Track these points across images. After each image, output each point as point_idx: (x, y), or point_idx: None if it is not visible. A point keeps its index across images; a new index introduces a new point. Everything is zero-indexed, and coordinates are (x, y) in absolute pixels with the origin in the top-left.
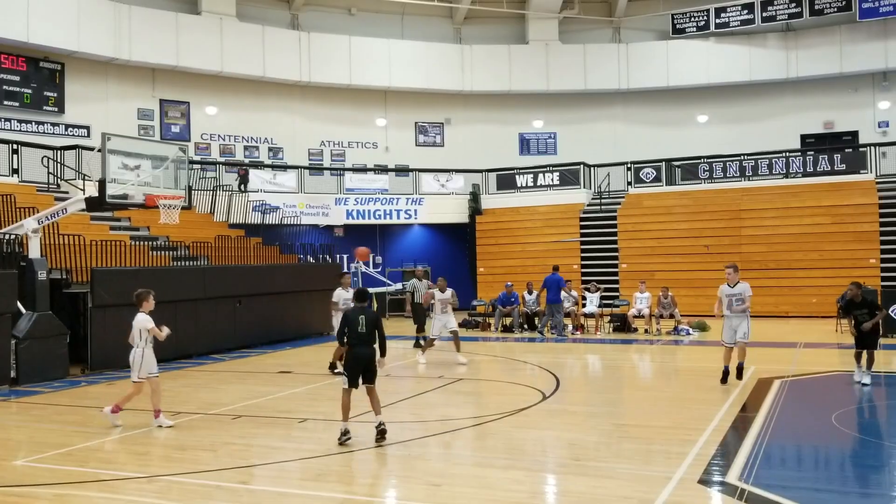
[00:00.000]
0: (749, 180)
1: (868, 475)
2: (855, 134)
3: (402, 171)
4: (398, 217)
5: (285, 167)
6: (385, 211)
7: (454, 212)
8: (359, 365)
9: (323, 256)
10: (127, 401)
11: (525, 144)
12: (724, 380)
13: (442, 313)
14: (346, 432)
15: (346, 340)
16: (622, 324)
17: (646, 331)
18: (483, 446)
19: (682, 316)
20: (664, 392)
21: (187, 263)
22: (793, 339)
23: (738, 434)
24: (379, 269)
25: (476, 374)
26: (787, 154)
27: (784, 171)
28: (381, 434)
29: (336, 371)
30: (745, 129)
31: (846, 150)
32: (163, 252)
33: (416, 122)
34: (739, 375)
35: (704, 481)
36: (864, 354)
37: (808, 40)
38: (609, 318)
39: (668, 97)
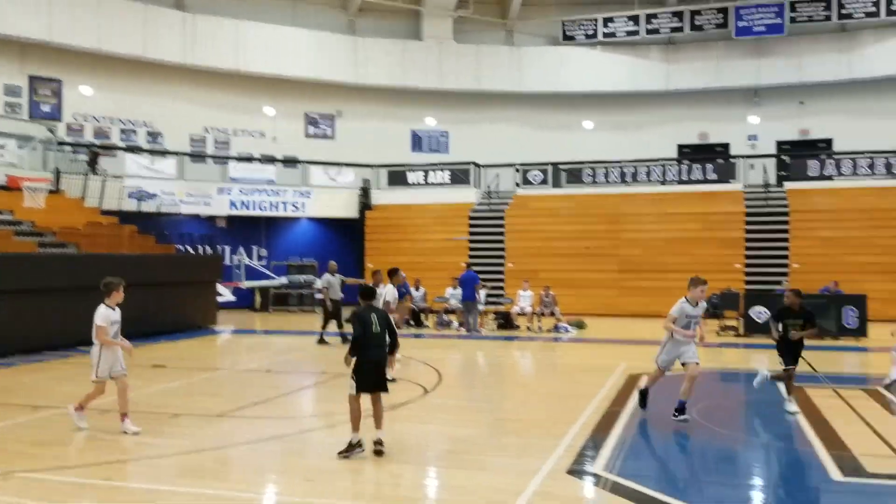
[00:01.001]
0: (629, 186)
1: (721, 466)
2: (727, 146)
3: (290, 162)
4: (285, 209)
5: (164, 153)
6: (271, 203)
7: (344, 206)
8: (373, 369)
9: (203, 248)
10: (88, 400)
11: (417, 141)
12: (643, 403)
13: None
14: (358, 444)
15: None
16: (506, 321)
17: (528, 328)
18: (364, 442)
19: (561, 314)
20: (541, 387)
21: (55, 250)
22: (662, 337)
23: (606, 427)
24: (264, 263)
25: None
26: (664, 163)
27: (661, 179)
28: (378, 453)
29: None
30: (627, 136)
31: (718, 161)
32: (27, 238)
33: (305, 113)
34: (682, 411)
35: (573, 472)
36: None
37: (688, 54)
38: (493, 315)
39: (558, 102)
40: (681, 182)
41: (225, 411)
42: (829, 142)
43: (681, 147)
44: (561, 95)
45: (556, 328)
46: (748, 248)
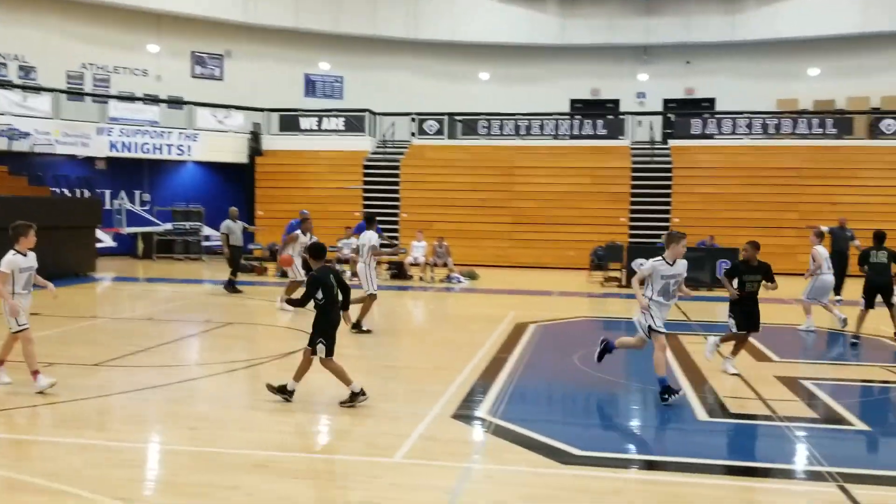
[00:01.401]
0: (523, 139)
1: (598, 409)
2: (617, 102)
3: (175, 103)
4: (169, 152)
5: (38, 89)
6: (155, 145)
7: (232, 151)
8: (336, 330)
9: (81, 191)
10: (7, 352)
11: (311, 86)
12: (601, 357)
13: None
14: (361, 391)
15: (317, 303)
16: (399, 271)
17: (420, 278)
18: (250, 390)
19: (454, 265)
20: (432, 336)
21: None
22: (550, 287)
23: (493, 374)
24: (146, 208)
25: (248, 318)
26: (558, 117)
27: (554, 133)
28: (286, 399)
29: (364, 329)
30: (522, 89)
31: (608, 117)
32: None
33: (192, 52)
34: (669, 391)
35: (458, 416)
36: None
37: (582, 10)
38: (387, 265)
39: (455, 52)
40: (573, 137)
41: (103, 360)
42: (712, 101)
43: (573, 102)
44: (457, 45)
45: (449, 279)
46: (633, 203)
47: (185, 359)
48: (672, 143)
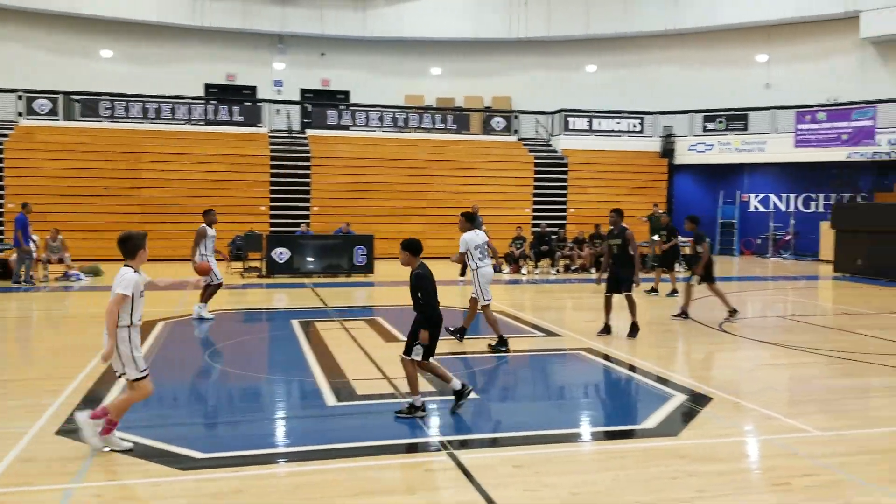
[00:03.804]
0: (152, 123)
1: (227, 406)
2: (254, 89)
3: None
4: None
5: None
6: None
7: None
8: (438, 332)
9: None
10: None
11: None
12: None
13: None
14: (422, 406)
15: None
16: (4, 270)
17: (31, 276)
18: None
19: (73, 261)
20: (41, 343)
21: None
22: (185, 279)
23: (111, 379)
24: None
25: None
26: (191, 101)
27: (187, 118)
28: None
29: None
30: (151, 70)
31: (245, 104)
32: None
33: None
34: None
35: (63, 431)
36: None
37: None
38: None
39: (70, 25)
40: (208, 123)
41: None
42: (347, 93)
43: (208, 86)
44: (73, 17)
45: (66, 276)
46: (273, 192)
47: None
48: (310, 132)
